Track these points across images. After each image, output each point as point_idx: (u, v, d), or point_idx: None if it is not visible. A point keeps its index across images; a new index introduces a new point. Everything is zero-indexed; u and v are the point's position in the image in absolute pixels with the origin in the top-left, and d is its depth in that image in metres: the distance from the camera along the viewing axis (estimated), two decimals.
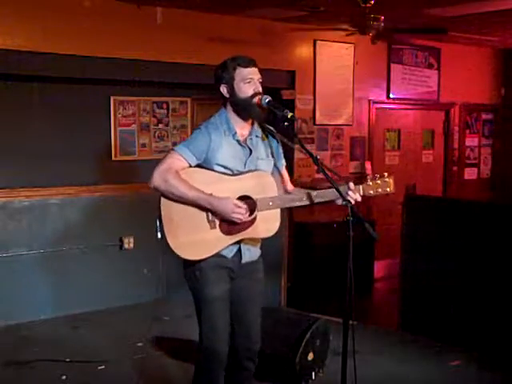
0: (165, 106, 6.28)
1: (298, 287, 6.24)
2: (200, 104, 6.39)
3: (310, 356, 4.03)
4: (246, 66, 2.91)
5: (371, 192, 2.93)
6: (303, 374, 4.00)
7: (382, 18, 5.19)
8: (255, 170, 2.94)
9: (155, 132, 6.23)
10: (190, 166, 2.84)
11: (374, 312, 6.30)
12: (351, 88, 7.06)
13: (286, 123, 2.86)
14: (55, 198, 5.59)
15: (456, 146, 8.25)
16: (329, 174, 2.80)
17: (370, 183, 2.93)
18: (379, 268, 7.18)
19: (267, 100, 2.91)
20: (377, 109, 7.37)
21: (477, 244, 4.79)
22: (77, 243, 5.65)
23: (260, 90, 2.92)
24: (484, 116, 8.60)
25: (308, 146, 5.68)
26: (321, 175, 2.93)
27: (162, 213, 2.82)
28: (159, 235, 2.82)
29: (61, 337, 5.01)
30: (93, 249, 5.72)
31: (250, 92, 2.89)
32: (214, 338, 2.89)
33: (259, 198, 2.86)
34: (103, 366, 4.36)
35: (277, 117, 2.89)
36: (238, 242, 2.90)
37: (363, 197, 2.89)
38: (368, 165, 7.23)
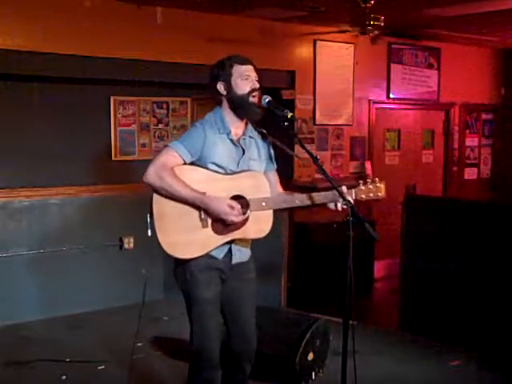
0: (165, 105, 6.28)
1: (298, 287, 6.24)
2: (200, 104, 6.39)
3: (310, 356, 4.03)
4: (243, 64, 2.93)
5: (363, 196, 2.94)
6: (303, 374, 4.00)
7: (382, 17, 5.19)
8: (248, 170, 2.94)
9: (155, 132, 6.23)
10: (185, 163, 2.83)
11: (374, 312, 6.29)
12: (351, 88, 7.05)
13: (285, 123, 2.87)
14: (55, 198, 5.60)
15: (456, 146, 8.25)
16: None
17: (363, 187, 2.94)
18: (379, 268, 7.18)
19: (267, 100, 2.92)
20: (377, 109, 7.37)
21: (477, 244, 4.79)
22: (77, 243, 5.65)
23: (257, 86, 2.92)
24: (484, 116, 8.59)
25: (308, 146, 5.65)
26: (321, 175, 2.93)
27: (154, 210, 2.80)
28: (149, 232, 2.81)
29: (61, 337, 5.01)
30: (93, 249, 5.73)
31: (247, 89, 2.89)
32: (205, 338, 2.89)
33: (252, 198, 2.86)
34: (103, 366, 4.37)
35: (277, 117, 2.89)
36: (229, 243, 2.90)
37: (355, 201, 2.88)
38: (368, 165, 7.22)
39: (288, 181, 6.13)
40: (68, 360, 4.45)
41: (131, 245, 5.90)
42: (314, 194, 2.93)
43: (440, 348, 4.76)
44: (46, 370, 4.32)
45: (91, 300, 5.63)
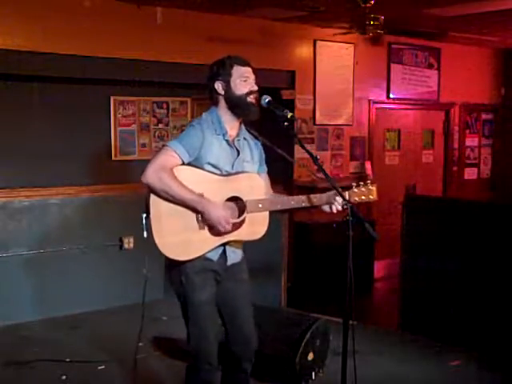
0: (165, 105, 6.28)
1: (298, 287, 6.24)
2: (200, 104, 6.38)
3: (310, 356, 4.03)
4: (243, 65, 2.93)
5: (356, 199, 2.96)
6: (303, 374, 4.00)
7: (382, 17, 5.19)
8: (244, 171, 2.94)
9: (155, 132, 6.24)
10: (183, 163, 2.81)
11: (374, 312, 6.29)
12: (351, 88, 7.05)
13: (285, 123, 2.87)
14: (55, 198, 5.60)
15: (456, 146, 8.25)
16: (317, 178, 2.81)
17: (356, 190, 2.97)
18: (379, 268, 7.18)
19: (267, 100, 2.92)
20: (377, 109, 7.37)
21: (477, 244, 4.79)
22: (77, 243, 5.65)
23: (255, 89, 2.92)
24: (484, 116, 8.59)
25: (308, 146, 5.66)
26: (320, 175, 2.94)
27: (152, 211, 2.79)
28: (145, 234, 2.80)
29: (61, 337, 5.01)
30: (93, 249, 5.73)
31: (246, 90, 2.89)
32: (202, 339, 2.89)
33: (249, 199, 2.86)
34: (103, 366, 4.37)
35: (277, 117, 2.89)
36: (223, 245, 2.90)
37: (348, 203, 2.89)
38: (368, 165, 7.22)
39: (288, 181, 6.15)
40: (68, 360, 4.45)
41: (131, 245, 5.90)
42: (311, 196, 2.95)
43: (440, 348, 4.76)
44: (46, 370, 4.32)
45: (91, 300, 5.62)
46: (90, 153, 5.81)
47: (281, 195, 3.05)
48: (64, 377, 4.18)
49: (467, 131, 8.41)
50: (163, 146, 2.88)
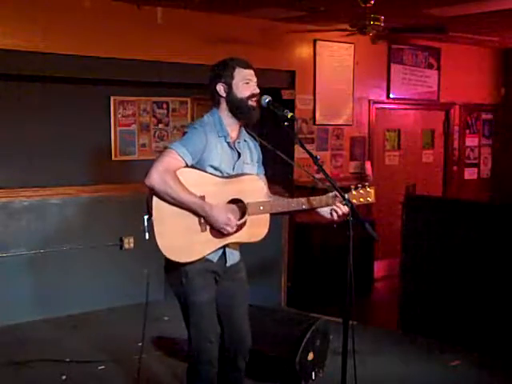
0: (165, 106, 6.28)
1: (298, 287, 6.24)
2: (200, 104, 6.39)
3: (310, 356, 4.03)
4: (246, 68, 2.93)
5: (354, 201, 2.96)
6: (303, 374, 4.00)
7: (382, 17, 5.19)
8: (245, 173, 2.95)
9: (155, 132, 6.24)
10: (186, 166, 2.81)
11: (374, 312, 6.29)
12: (351, 88, 7.05)
13: (285, 123, 2.87)
14: (55, 198, 5.59)
15: (456, 145, 8.25)
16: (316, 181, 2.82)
17: (354, 193, 2.98)
18: (379, 268, 7.18)
19: (267, 100, 2.92)
20: (377, 109, 7.37)
21: (477, 244, 4.79)
22: (77, 243, 5.65)
23: (257, 92, 2.93)
24: (484, 116, 8.59)
25: (308, 146, 5.66)
26: (320, 175, 2.94)
27: (154, 214, 2.78)
28: (147, 236, 2.80)
29: (61, 337, 5.01)
30: (93, 249, 5.72)
31: (248, 93, 2.90)
32: (204, 340, 2.89)
33: (250, 202, 2.87)
34: (103, 366, 4.37)
35: (277, 117, 2.89)
36: (223, 246, 2.91)
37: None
38: (368, 165, 7.22)
39: (288, 181, 6.15)
40: (68, 360, 4.45)
41: (131, 245, 5.90)
42: (311, 198, 2.96)
43: (440, 348, 4.76)
44: (46, 370, 4.32)
45: (91, 300, 5.62)
46: (90, 153, 5.81)
47: (281, 197, 3.06)
48: (64, 377, 4.18)
49: (467, 131, 8.41)
50: (166, 148, 2.88)
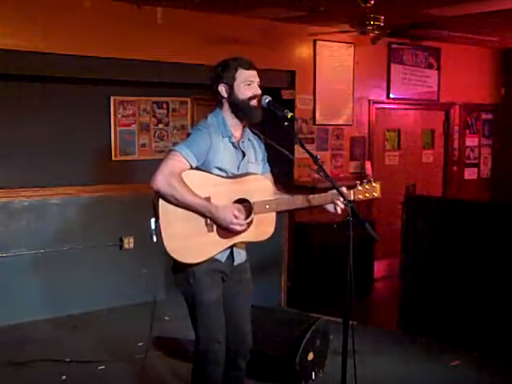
0: (165, 106, 6.28)
1: (298, 287, 6.24)
2: (200, 104, 6.39)
3: (310, 356, 4.03)
4: (248, 69, 2.92)
5: (360, 196, 2.99)
6: (303, 374, 4.00)
7: (382, 17, 5.19)
8: (250, 173, 2.95)
9: (155, 132, 6.24)
10: (191, 168, 2.82)
11: (374, 312, 6.30)
12: (351, 88, 7.05)
13: (286, 123, 2.88)
14: (55, 198, 5.59)
15: (456, 145, 8.25)
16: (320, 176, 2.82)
17: (360, 188, 3.00)
18: (379, 268, 7.18)
19: (267, 100, 2.93)
20: (377, 109, 7.37)
21: (477, 244, 4.79)
22: (77, 243, 5.65)
23: (259, 93, 2.93)
24: (484, 116, 8.59)
25: (308, 146, 5.66)
26: (322, 174, 2.94)
27: (160, 215, 2.78)
28: (154, 238, 2.80)
29: (61, 337, 5.01)
30: (93, 249, 5.72)
31: (249, 94, 2.90)
32: (211, 340, 2.90)
33: (256, 201, 2.87)
34: (103, 366, 4.37)
35: (277, 117, 2.89)
36: (231, 246, 2.91)
37: (353, 201, 2.91)
38: (368, 165, 7.22)
39: (288, 181, 6.15)
40: (68, 360, 4.45)
41: (131, 245, 5.90)
42: (316, 196, 2.95)
43: (440, 348, 4.76)
44: (46, 369, 4.32)
45: (91, 300, 5.62)
46: (90, 153, 5.81)
47: (286, 195, 3.05)
48: (64, 377, 4.18)
49: (467, 131, 8.41)
50: (170, 150, 2.88)
